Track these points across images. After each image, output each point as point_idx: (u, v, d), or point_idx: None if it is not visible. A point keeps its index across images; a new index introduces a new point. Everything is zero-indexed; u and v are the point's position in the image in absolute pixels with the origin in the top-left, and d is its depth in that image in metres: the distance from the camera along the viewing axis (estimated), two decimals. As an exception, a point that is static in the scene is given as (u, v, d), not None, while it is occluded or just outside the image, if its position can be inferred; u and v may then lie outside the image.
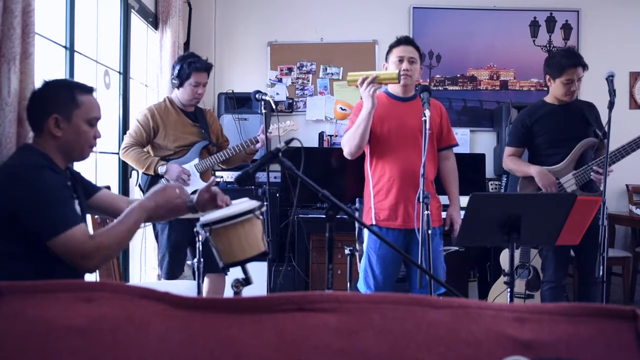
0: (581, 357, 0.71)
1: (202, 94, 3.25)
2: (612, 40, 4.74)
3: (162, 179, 3.21)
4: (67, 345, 0.71)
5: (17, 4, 1.88)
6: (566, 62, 3.01)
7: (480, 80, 4.82)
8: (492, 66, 4.82)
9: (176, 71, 3.18)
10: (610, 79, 2.75)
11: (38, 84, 1.86)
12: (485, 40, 4.81)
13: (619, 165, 2.98)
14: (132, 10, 3.77)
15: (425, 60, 2.63)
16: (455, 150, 2.98)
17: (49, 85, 1.81)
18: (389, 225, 2.72)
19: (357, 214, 3.14)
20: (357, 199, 3.33)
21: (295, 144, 1.85)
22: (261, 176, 3.89)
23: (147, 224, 3.64)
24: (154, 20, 4.10)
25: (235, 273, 1.79)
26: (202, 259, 2.56)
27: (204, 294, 3.02)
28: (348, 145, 2.72)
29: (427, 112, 2.43)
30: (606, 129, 2.65)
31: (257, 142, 3.33)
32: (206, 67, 3.23)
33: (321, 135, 4.70)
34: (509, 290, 2.28)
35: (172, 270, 3.20)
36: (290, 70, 4.84)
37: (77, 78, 2.96)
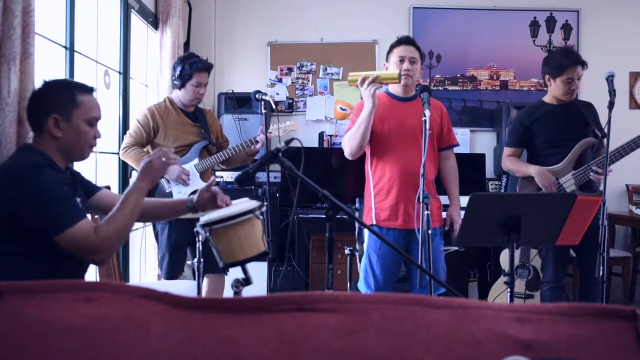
0: (581, 357, 0.71)
1: (204, 94, 3.27)
2: (612, 40, 4.74)
3: (162, 179, 3.21)
4: (67, 345, 0.71)
5: (17, 4, 1.88)
6: (566, 60, 3.01)
7: (480, 80, 4.82)
8: (492, 66, 4.82)
9: (177, 72, 3.18)
10: (610, 79, 2.75)
11: (38, 84, 1.86)
12: (485, 40, 4.81)
13: (618, 165, 2.98)
14: (132, 10, 3.77)
15: (425, 60, 2.63)
16: (455, 150, 2.98)
17: (48, 85, 1.81)
18: (390, 225, 2.72)
19: (357, 214, 3.14)
20: (357, 199, 3.33)
21: (295, 144, 1.85)
22: (261, 176, 3.89)
23: (147, 223, 3.64)
24: (154, 20, 4.10)
25: (235, 273, 1.79)
26: (202, 259, 2.56)
27: (203, 294, 3.02)
28: (349, 145, 2.72)
29: (427, 112, 2.43)
30: (606, 129, 2.65)
31: (257, 142, 3.33)
32: (207, 67, 3.24)
33: (321, 135, 4.70)
34: (509, 290, 2.28)
35: (172, 270, 3.20)
36: (290, 70, 4.84)
37: (77, 78, 2.96)
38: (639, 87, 4.78)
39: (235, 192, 3.46)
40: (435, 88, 4.74)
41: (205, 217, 1.82)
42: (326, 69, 4.83)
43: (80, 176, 2.01)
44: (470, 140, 4.79)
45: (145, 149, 3.21)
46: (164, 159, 1.89)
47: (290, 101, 4.80)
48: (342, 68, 4.80)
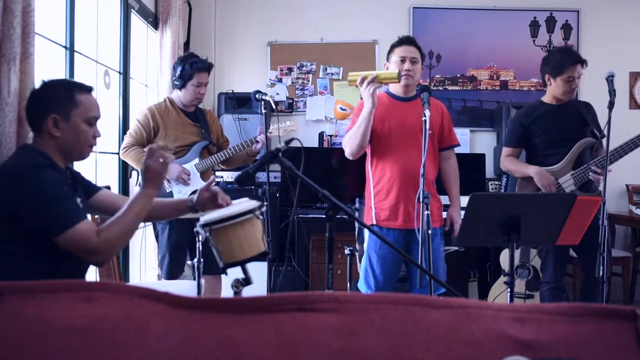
0: (581, 357, 0.71)
1: (204, 93, 3.27)
2: (612, 40, 4.74)
3: (162, 179, 3.21)
4: (67, 345, 0.71)
5: (17, 4, 1.88)
6: (566, 59, 3.01)
7: (480, 80, 4.82)
8: (492, 66, 4.82)
9: (178, 72, 3.18)
10: (610, 79, 2.74)
11: (38, 84, 1.86)
12: (485, 40, 4.81)
13: (618, 165, 2.98)
14: (132, 10, 3.77)
15: (425, 60, 2.64)
16: (455, 150, 2.97)
17: (47, 85, 1.81)
18: (390, 226, 2.72)
19: (356, 214, 3.14)
20: (357, 199, 3.33)
21: (295, 144, 1.85)
22: (261, 176, 3.89)
23: (147, 223, 3.64)
24: (154, 20, 4.10)
25: (235, 273, 1.79)
26: (202, 259, 2.56)
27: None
28: (349, 145, 2.72)
29: (427, 112, 2.43)
30: (606, 129, 2.65)
31: (257, 142, 3.33)
32: (208, 67, 3.24)
33: (321, 135, 4.70)
34: (509, 290, 2.28)
35: (172, 271, 3.20)
36: (290, 70, 4.84)
37: (77, 78, 2.96)
38: (639, 87, 4.78)
39: (235, 192, 3.46)
40: (435, 88, 4.74)
41: (205, 217, 1.82)
42: (326, 69, 4.83)
43: (80, 176, 2.01)
44: (470, 140, 4.79)
45: (145, 149, 3.21)
46: (160, 160, 1.87)
47: (290, 101, 4.80)
48: (342, 68, 4.80)
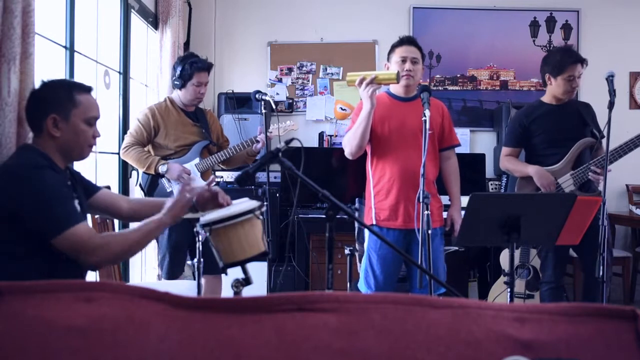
0: (581, 357, 0.71)
1: (204, 93, 3.27)
2: (612, 40, 4.74)
3: (163, 179, 3.21)
4: (67, 345, 0.71)
5: (17, 4, 1.88)
6: (567, 59, 3.01)
7: (480, 80, 4.82)
8: (492, 66, 4.82)
9: (178, 72, 3.19)
10: (610, 79, 2.74)
11: (38, 84, 1.86)
12: (485, 40, 4.81)
13: (618, 165, 2.98)
14: (132, 10, 3.77)
15: (425, 60, 2.64)
16: (456, 150, 2.97)
17: (46, 85, 1.81)
18: (390, 226, 2.72)
19: (356, 214, 3.14)
20: (356, 199, 3.33)
21: (295, 144, 1.85)
22: (261, 176, 3.89)
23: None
24: (154, 20, 4.10)
25: (235, 273, 1.79)
26: (202, 259, 2.56)
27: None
28: (349, 145, 2.72)
29: (427, 112, 2.43)
30: (606, 129, 2.65)
31: (258, 141, 3.34)
32: (208, 67, 3.24)
33: (321, 135, 4.70)
34: (509, 290, 2.28)
35: (173, 271, 3.20)
36: (290, 70, 4.84)
37: (77, 78, 2.96)
38: (639, 87, 4.78)
39: (235, 192, 3.46)
40: (435, 88, 4.74)
41: (205, 217, 1.82)
42: (326, 69, 4.83)
43: (80, 176, 2.01)
44: (470, 140, 4.79)
45: (145, 149, 3.21)
46: (188, 195, 1.90)
47: (290, 101, 4.80)
48: (342, 68, 4.80)
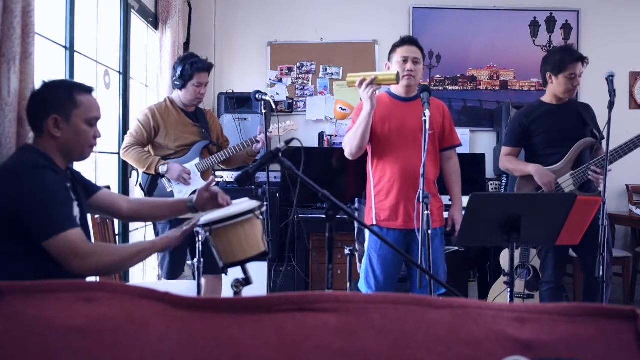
0: (581, 357, 0.71)
1: (204, 93, 3.27)
2: (612, 40, 4.74)
3: (163, 179, 3.21)
4: (67, 345, 0.71)
5: (17, 4, 1.88)
6: (568, 57, 3.01)
7: (480, 80, 4.82)
8: (492, 66, 4.82)
9: (178, 72, 3.19)
10: (610, 79, 2.74)
11: (38, 84, 1.86)
12: (485, 40, 4.81)
13: (618, 165, 2.98)
14: (132, 10, 3.77)
15: (425, 60, 2.64)
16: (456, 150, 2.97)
17: (47, 85, 1.81)
18: (390, 226, 2.72)
19: (356, 214, 3.14)
20: (356, 199, 3.33)
21: (295, 144, 1.85)
22: (261, 176, 3.89)
23: (148, 223, 3.65)
24: (154, 20, 4.10)
25: (235, 273, 1.79)
26: (202, 259, 2.56)
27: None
28: (349, 145, 2.72)
29: (427, 112, 2.43)
30: (606, 129, 2.65)
31: (258, 141, 3.34)
32: (208, 67, 3.24)
33: (321, 135, 4.70)
34: (509, 290, 2.28)
35: (173, 271, 3.20)
36: (290, 70, 4.84)
37: (77, 78, 2.96)
38: (639, 87, 4.78)
39: (235, 192, 3.46)
40: (435, 88, 4.74)
41: (205, 217, 1.82)
42: (326, 69, 4.83)
43: (81, 176, 2.01)
44: (470, 140, 4.79)
45: (146, 149, 3.21)
46: (179, 235, 1.92)
47: (290, 101, 4.80)
48: (342, 68, 4.80)
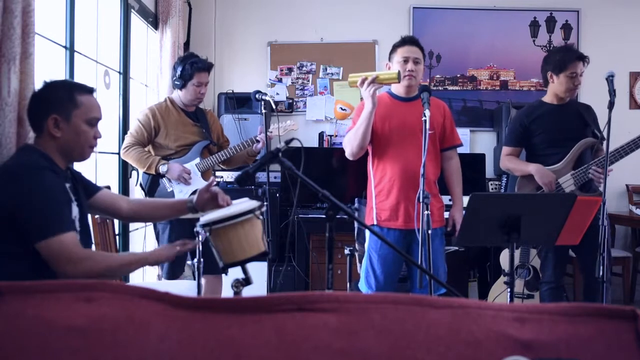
0: (581, 357, 0.71)
1: (205, 93, 3.27)
2: (612, 40, 4.74)
3: (163, 179, 3.21)
4: (67, 345, 0.71)
5: (17, 4, 1.88)
6: (569, 56, 3.02)
7: (480, 80, 4.82)
8: (492, 66, 4.82)
9: (178, 72, 3.19)
10: (610, 79, 2.74)
11: (38, 84, 1.86)
12: (485, 40, 4.81)
13: (618, 165, 2.98)
14: (132, 10, 3.77)
15: (425, 60, 2.64)
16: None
17: (48, 85, 1.81)
18: (390, 226, 2.72)
19: (356, 214, 3.14)
20: (356, 199, 3.33)
21: (295, 144, 1.85)
22: (261, 176, 3.89)
23: (148, 223, 3.65)
24: (154, 20, 4.10)
25: (235, 273, 1.79)
26: (202, 259, 2.56)
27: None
28: (350, 145, 2.72)
29: (427, 112, 2.43)
30: (606, 129, 2.65)
31: (258, 141, 3.34)
32: (208, 67, 3.24)
33: (321, 135, 4.70)
34: (509, 290, 2.28)
35: (173, 270, 3.20)
36: (290, 70, 4.84)
37: (77, 78, 2.96)
38: (639, 87, 4.78)
39: (235, 192, 3.46)
40: (435, 88, 4.74)
41: (205, 217, 1.82)
42: (326, 69, 4.83)
43: (81, 176, 2.01)
44: (470, 140, 4.79)
45: (146, 149, 3.21)
46: (170, 254, 1.92)
47: (290, 101, 4.80)
48: (342, 68, 4.80)
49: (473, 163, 4.43)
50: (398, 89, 2.79)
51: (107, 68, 3.48)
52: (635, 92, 4.77)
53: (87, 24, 3.23)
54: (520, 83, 4.81)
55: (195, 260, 2.57)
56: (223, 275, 2.94)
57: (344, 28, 4.80)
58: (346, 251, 3.10)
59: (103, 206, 2.07)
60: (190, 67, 3.16)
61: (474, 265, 4.47)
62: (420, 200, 2.37)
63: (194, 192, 2.20)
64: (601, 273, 2.53)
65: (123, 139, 3.32)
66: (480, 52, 4.81)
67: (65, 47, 2.89)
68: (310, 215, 4.09)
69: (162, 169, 3.14)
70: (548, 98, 3.14)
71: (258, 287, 3.12)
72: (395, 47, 2.80)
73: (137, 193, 3.52)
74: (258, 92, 3.25)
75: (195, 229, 2.41)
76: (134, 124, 3.24)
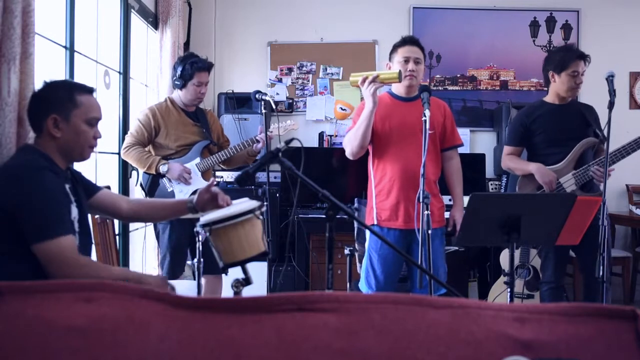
0: (581, 357, 0.71)
1: (205, 93, 3.27)
2: (612, 40, 4.74)
3: (164, 178, 3.21)
4: (67, 345, 0.71)
5: (17, 4, 1.88)
6: (571, 54, 3.02)
7: (480, 80, 4.82)
8: (492, 66, 4.82)
9: (178, 72, 3.19)
10: (610, 79, 2.74)
11: (38, 84, 1.86)
12: (485, 40, 4.81)
13: (618, 165, 2.97)
14: (132, 10, 3.77)
15: (425, 60, 2.65)
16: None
17: (48, 85, 1.81)
18: (390, 226, 2.72)
19: (356, 214, 3.14)
20: (356, 199, 3.33)
21: (295, 144, 1.85)
22: (261, 176, 3.89)
23: (148, 223, 3.65)
24: (154, 20, 4.10)
25: (235, 273, 1.79)
26: (202, 259, 2.56)
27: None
28: (350, 145, 2.72)
29: (427, 112, 2.43)
30: (606, 129, 2.65)
31: (258, 141, 3.33)
32: (208, 67, 3.25)
33: (321, 135, 4.70)
34: (509, 290, 2.28)
35: (173, 270, 3.20)
36: (290, 70, 4.84)
37: (77, 78, 2.96)
38: (639, 87, 4.78)
39: (235, 192, 3.46)
40: (435, 88, 4.74)
41: (205, 217, 1.82)
42: (326, 69, 4.83)
43: (81, 176, 2.01)
44: (470, 140, 4.79)
45: (146, 149, 3.21)
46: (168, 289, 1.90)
47: (290, 101, 4.80)
48: (342, 68, 4.80)
49: (473, 163, 4.43)
50: (399, 88, 2.79)
51: (107, 68, 3.48)
52: (635, 92, 4.77)
53: (87, 24, 3.23)
54: (520, 83, 4.81)
55: (195, 260, 2.58)
56: (223, 275, 2.94)
57: (344, 28, 4.80)
58: (346, 251, 3.10)
59: (103, 206, 2.07)
60: (191, 66, 3.16)
61: (474, 265, 4.47)
62: (420, 200, 2.37)
63: (194, 192, 2.20)
64: (601, 273, 2.52)
65: (123, 139, 3.32)
66: (480, 52, 4.81)
67: (65, 47, 2.89)
68: (310, 215, 4.09)
69: (163, 168, 3.14)
70: (550, 98, 3.14)
71: (258, 287, 3.12)
72: (396, 47, 2.79)
73: (137, 193, 3.52)
74: (258, 92, 3.25)
75: (195, 229, 2.42)
76: (134, 124, 3.24)
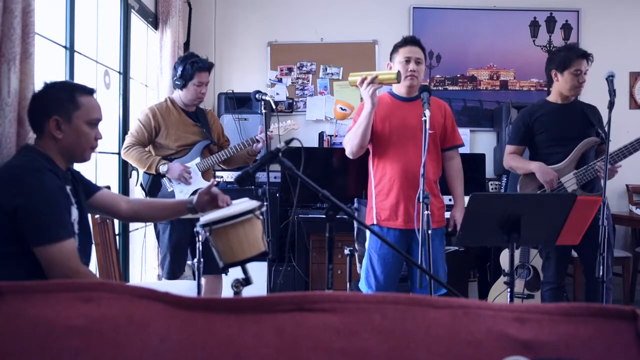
0: (581, 357, 0.71)
1: (205, 93, 3.27)
2: (612, 40, 4.74)
3: (164, 178, 3.21)
4: (67, 345, 0.71)
5: (17, 4, 1.88)
6: (573, 53, 3.03)
7: (480, 80, 4.82)
8: (492, 66, 4.82)
9: (179, 72, 3.19)
10: (610, 79, 2.75)
11: (38, 84, 1.86)
12: (485, 40, 4.81)
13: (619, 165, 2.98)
14: (132, 10, 3.77)
15: (426, 60, 2.66)
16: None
17: (49, 87, 1.81)
18: (390, 225, 2.72)
19: (356, 214, 3.14)
20: (356, 199, 3.33)
21: (295, 144, 1.85)
22: (261, 176, 3.89)
23: (148, 223, 3.65)
24: (154, 20, 4.10)
25: (235, 273, 1.79)
26: (202, 259, 2.56)
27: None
28: (349, 144, 2.72)
29: (427, 112, 2.43)
30: (606, 129, 2.65)
31: (258, 141, 3.33)
32: (208, 67, 3.25)
33: (321, 135, 4.70)
34: (509, 290, 2.28)
35: (174, 270, 3.20)
36: (290, 70, 4.84)
37: (77, 78, 2.96)
38: (639, 87, 4.78)
39: (235, 192, 3.46)
40: (435, 88, 4.74)
41: (205, 217, 1.82)
42: (326, 69, 4.83)
43: (81, 176, 2.01)
44: (470, 140, 4.79)
45: (147, 149, 3.21)
46: None
47: (290, 101, 4.80)
48: (342, 68, 4.80)
49: (473, 163, 4.43)
50: (399, 88, 2.79)
51: (107, 68, 3.48)
52: (635, 92, 4.77)
53: (87, 24, 3.23)
54: (520, 83, 4.81)
55: (195, 260, 2.58)
56: (223, 275, 2.94)
57: (344, 28, 4.80)
58: (346, 251, 3.10)
59: (103, 206, 2.07)
60: (191, 66, 3.16)
61: (474, 265, 4.47)
62: (420, 200, 2.37)
63: (194, 192, 2.20)
64: (601, 273, 2.52)
65: (123, 139, 3.32)
66: (480, 52, 4.81)
67: (65, 47, 2.89)
68: (310, 215, 4.09)
69: (163, 168, 3.14)
70: (552, 97, 3.14)
71: (258, 287, 3.12)
72: (396, 47, 2.79)
73: (137, 193, 3.52)
74: (258, 92, 3.25)
75: (195, 229, 2.42)
76: (134, 124, 3.24)
